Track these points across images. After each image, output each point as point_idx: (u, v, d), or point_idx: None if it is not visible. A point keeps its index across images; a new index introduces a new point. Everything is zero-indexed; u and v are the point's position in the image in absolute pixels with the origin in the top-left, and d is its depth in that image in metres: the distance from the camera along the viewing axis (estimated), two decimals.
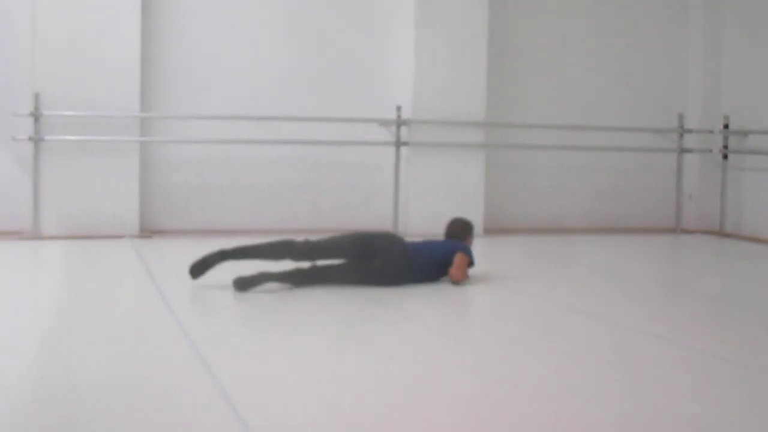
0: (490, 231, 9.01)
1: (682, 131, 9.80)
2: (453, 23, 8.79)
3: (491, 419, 3.32)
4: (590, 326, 4.90)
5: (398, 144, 8.77)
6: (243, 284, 5.49)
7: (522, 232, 9.22)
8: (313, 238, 5.86)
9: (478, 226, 8.51)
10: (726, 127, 9.55)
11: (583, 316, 5.14)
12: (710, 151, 9.73)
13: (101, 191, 8.02)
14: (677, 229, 9.74)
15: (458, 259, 5.95)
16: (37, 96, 7.87)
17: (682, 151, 9.81)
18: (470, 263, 6.03)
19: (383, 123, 8.82)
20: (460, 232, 6.24)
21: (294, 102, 8.72)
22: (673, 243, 9.09)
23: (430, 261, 5.93)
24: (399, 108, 8.77)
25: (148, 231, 8.29)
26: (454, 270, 5.90)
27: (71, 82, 7.92)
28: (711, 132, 9.74)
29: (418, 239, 6.28)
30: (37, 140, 7.87)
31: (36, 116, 7.86)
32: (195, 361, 3.79)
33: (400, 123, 8.73)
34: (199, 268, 5.62)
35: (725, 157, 9.55)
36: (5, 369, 3.78)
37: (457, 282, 5.88)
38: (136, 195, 8.13)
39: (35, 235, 7.86)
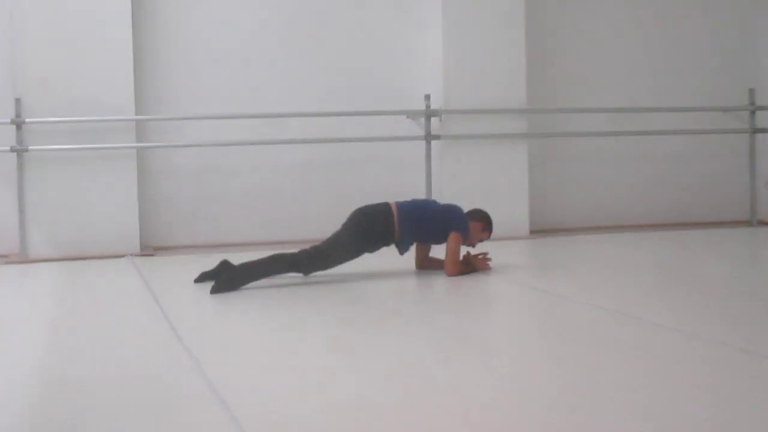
0: (537, 232, 9.01)
1: (754, 108, 9.61)
2: None
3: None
4: (659, 340, 4.75)
5: (428, 138, 8.70)
6: (224, 284, 6.04)
7: (573, 232, 9.19)
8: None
9: (523, 227, 8.66)
10: None
11: (648, 328, 4.99)
12: None
13: (95, 205, 8.02)
14: (752, 220, 9.56)
15: (451, 242, 6.47)
16: (18, 101, 7.85)
17: (755, 131, 9.62)
18: (466, 242, 6.57)
19: (410, 114, 8.81)
20: (472, 213, 6.65)
21: (307, 96, 8.77)
22: (747, 237, 8.92)
23: (421, 221, 6.47)
24: (428, 97, 8.69)
25: (150, 248, 8.29)
26: (447, 262, 6.47)
27: (57, 85, 7.90)
28: None
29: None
30: (20, 151, 7.85)
31: (18, 124, 7.84)
32: (212, 400, 3.77)
33: (429, 114, 8.67)
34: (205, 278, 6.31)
35: None
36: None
37: (452, 275, 6.40)
38: (135, 208, 8.11)
39: (23, 258, 7.84)
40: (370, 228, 6.43)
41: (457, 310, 5.75)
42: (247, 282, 6.15)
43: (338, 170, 8.85)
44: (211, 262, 6.62)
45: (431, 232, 6.58)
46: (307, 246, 6.50)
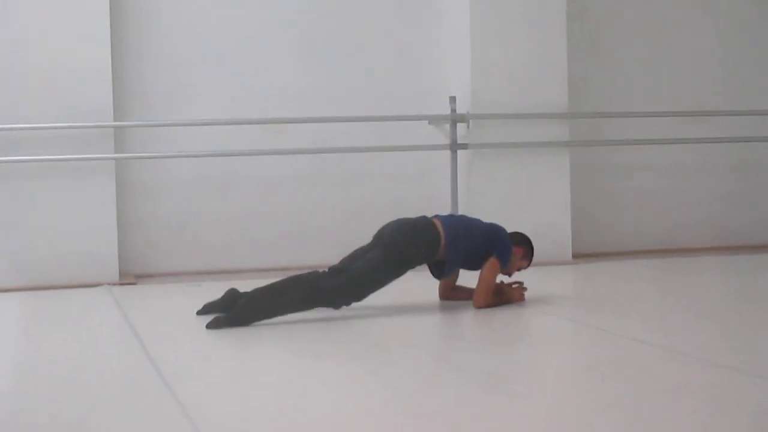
0: (581, 256, 9.00)
1: None
2: None
3: None
4: (723, 382, 4.67)
5: (454, 147, 8.69)
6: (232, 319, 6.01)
7: (624, 256, 9.14)
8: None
9: (564, 250, 8.79)
10: None
11: (708, 368, 4.94)
12: None
13: (67, 226, 7.98)
14: None
15: (487, 270, 6.45)
16: None
17: None
18: (504, 270, 6.55)
19: (433, 120, 8.78)
20: (512, 236, 6.63)
21: (313, 99, 8.79)
22: None
23: (468, 241, 6.42)
24: (453, 99, 8.67)
25: (131, 276, 8.26)
26: (477, 291, 6.47)
27: (20, 87, 7.89)
28: None
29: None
30: None
31: None
32: None
33: (455, 119, 8.65)
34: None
35: None
36: None
37: (479, 307, 6.45)
38: (114, 228, 8.10)
39: None
40: (413, 249, 6.31)
41: (487, 347, 5.73)
42: (259, 319, 6.04)
43: (349, 184, 8.85)
44: (203, 292, 6.63)
45: (477, 254, 6.48)
46: (318, 269, 6.40)
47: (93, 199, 8.01)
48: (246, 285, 6.45)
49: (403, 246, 6.28)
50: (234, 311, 6.02)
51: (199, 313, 6.31)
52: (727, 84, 9.65)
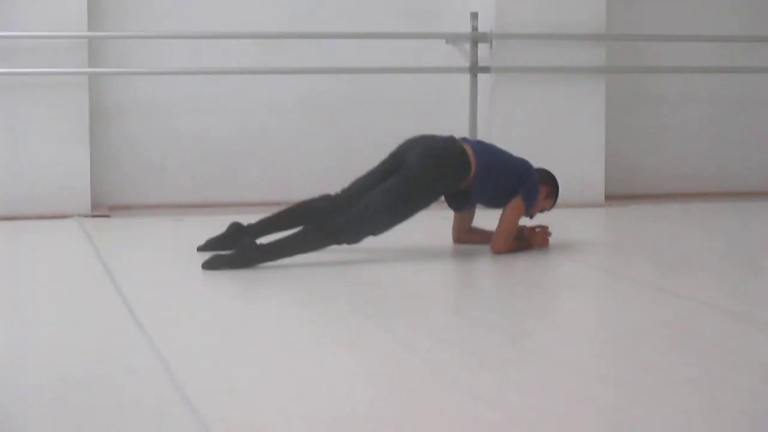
0: (615, 197, 9.02)
1: None
2: None
3: None
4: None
5: (475, 70, 8.68)
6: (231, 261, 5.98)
7: (662, 199, 9.16)
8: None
9: (597, 191, 8.87)
10: None
11: (753, 324, 4.98)
12: None
13: (33, 150, 8.00)
14: None
15: (509, 211, 6.43)
16: None
17: None
18: (527, 212, 6.55)
19: (451, 39, 8.75)
20: (539, 174, 6.61)
21: (314, 12, 8.76)
22: None
23: (499, 175, 6.39)
24: (474, 16, 8.64)
25: (104, 207, 8.30)
26: (497, 235, 6.46)
27: None
28: None
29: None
30: None
31: None
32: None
33: (476, 38, 8.62)
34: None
35: None
36: None
37: (499, 252, 6.45)
38: (86, 154, 8.12)
39: None
40: (443, 174, 6.27)
41: (506, 298, 5.73)
42: (264, 262, 6.01)
43: (354, 110, 8.86)
44: (185, 227, 6.60)
45: (505, 190, 6.43)
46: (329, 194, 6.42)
47: (63, 120, 8.01)
48: (242, 220, 6.49)
49: (432, 172, 6.24)
50: (237, 252, 5.99)
51: (200, 249, 6.34)
52: None
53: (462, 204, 6.50)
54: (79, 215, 7.93)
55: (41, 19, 7.90)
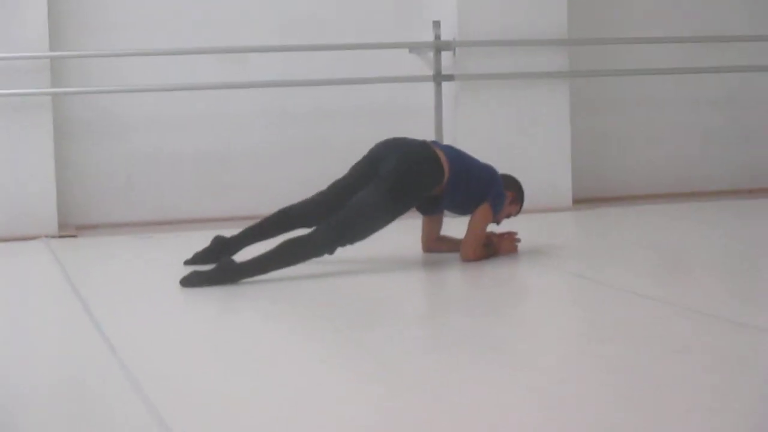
0: (582, 201, 9.03)
1: None
2: None
3: None
4: (729, 340, 4.75)
5: (439, 78, 8.68)
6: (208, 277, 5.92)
7: (629, 201, 9.19)
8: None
9: (564, 195, 8.85)
10: None
11: (724, 325, 5.00)
12: None
13: None
14: None
15: (477, 217, 6.45)
16: None
17: None
18: (494, 218, 6.54)
19: (415, 48, 8.77)
20: (504, 179, 6.62)
21: (278, 25, 8.75)
22: None
23: (469, 181, 6.39)
24: (437, 24, 8.64)
25: (71, 227, 8.27)
26: (466, 242, 6.47)
27: None
28: None
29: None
30: None
31: None
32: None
33: (439, 47, 8.63)
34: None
35: None
36: None
37: (468, 260, 6.47)
38: (51, 174, 8.10)
39: None
40: (419, 181, 6.30)
41: (478, 306, 5.72)
42: (245, 277, 5.99)
43: (320, 122, 8.86)
44: (154, 245, 6.58)
45: (473, 197, 6.46)
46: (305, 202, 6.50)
47: (27, 140, 7.98)
48: (212, 235, 6.54)
49: (409, 180, 6.27)
50: (215, 268, 5.95)
51: (187, 263, 6.39)
52: (749, 5, 9.61)
53: (432, 208, 6.52)
54: (46, 236, 7.90)
55: (1, 40, 7.88)
